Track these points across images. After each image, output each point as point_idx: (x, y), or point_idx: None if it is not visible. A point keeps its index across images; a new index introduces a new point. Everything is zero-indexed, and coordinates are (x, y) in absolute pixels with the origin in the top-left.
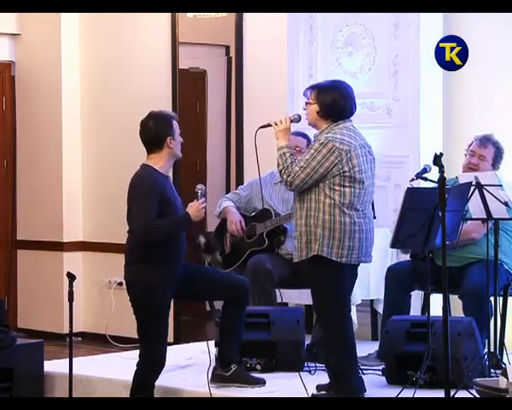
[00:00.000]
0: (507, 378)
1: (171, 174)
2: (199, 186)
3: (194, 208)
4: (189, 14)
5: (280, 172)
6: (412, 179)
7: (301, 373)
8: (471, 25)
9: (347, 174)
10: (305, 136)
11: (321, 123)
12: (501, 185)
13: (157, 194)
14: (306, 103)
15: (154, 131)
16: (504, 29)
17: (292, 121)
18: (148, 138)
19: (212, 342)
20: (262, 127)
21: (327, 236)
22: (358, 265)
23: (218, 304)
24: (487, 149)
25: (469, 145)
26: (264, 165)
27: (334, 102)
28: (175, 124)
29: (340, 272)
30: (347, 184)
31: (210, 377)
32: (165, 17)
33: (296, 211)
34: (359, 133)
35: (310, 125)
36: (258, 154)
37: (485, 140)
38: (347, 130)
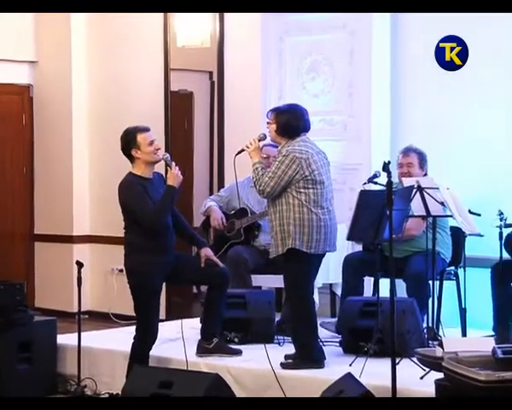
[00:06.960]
0: (442, 348)
1: None
2: (164, 156)
3: (172, 178)
4: (179, 45)
5: (254, 183)
6: (365, 183)
7: (271, 345)
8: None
9: (309, 178)
10: (275, 146)
11: (280, 139)
12: (437, 188)
13: (142, 191)
14: (268, 123)
15: (122, 146)
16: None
17: (260, 140)
18: (122, 151)
19: (192, 320)
20: (238, 154)
21: (298, 231)
22: (324, 254)
23: (204, 288)
24: (411, 157)
25: (397, 160)
26: (243, 170)
27: (288, 122)
28: (140, 137)
29: (309, 261)
30: (310, 186)
31: (196, 348)
32: (158, 47)
33: (271, 214)
34: (314, 143)
35: (272, 141)
36: (236, 171)
37: (407, 150)
38: (304, 142)
